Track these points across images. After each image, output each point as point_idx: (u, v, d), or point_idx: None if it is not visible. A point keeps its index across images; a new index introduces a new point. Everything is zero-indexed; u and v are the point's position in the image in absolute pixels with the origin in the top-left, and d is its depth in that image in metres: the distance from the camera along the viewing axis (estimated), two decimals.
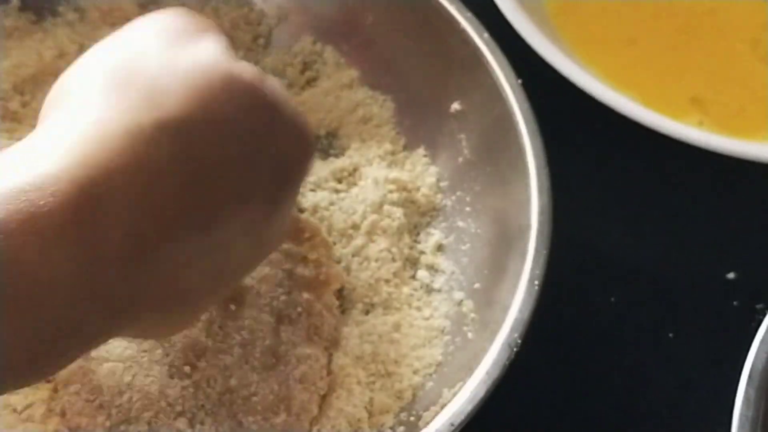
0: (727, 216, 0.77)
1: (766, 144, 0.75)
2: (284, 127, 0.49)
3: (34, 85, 0.71)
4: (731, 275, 0.74)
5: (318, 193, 0.71)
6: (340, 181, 0.71)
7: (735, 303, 0.73)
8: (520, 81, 0.68)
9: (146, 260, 0.43)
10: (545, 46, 0.74)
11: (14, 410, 0.58)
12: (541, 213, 0.63)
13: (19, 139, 0.67)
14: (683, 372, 0.71)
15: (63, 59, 0.72)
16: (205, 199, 0.45)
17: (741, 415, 0.57)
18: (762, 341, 0.59)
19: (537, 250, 0.62)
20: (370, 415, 0.62)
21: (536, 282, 0.60)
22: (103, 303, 0.43)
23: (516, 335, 0.59)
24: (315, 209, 0.69)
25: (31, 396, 0.59)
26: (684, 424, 0.69)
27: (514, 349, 0.58)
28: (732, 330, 0.72)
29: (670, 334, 0.72)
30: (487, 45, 0.69)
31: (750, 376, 0.58)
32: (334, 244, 0.68)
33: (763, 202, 0.78)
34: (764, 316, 0.61)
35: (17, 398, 0.58)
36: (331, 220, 0.69)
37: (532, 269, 0.61)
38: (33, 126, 0.68)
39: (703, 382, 0.70)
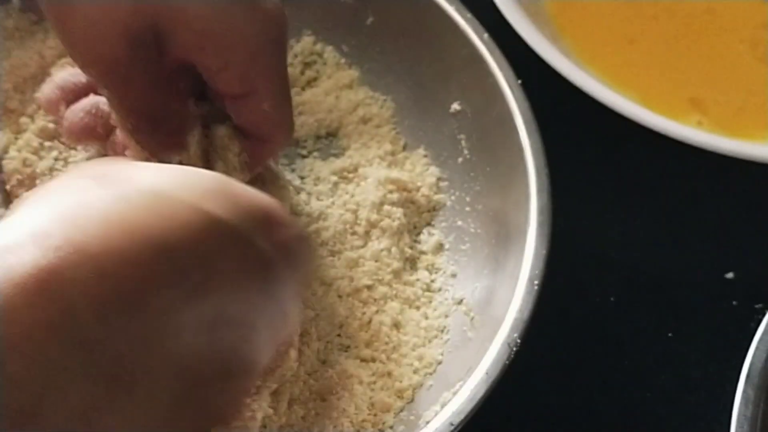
0: (727, 216, 0.78)
1: (765, 144, 0.75)
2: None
3: (35, 85, 0.71)
4: (730, 275, 0.74)
5: (318, 193, 0.71)
6: (340, 182, 0.72)
7: (734, 303, 0.73)
8: (520, 81, 0.68)
9: (129, 311, 0.41)
10: (545, 47, 0.75)
11: None
12: (540, 213, 0.63)
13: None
14: (682, 371, 0.71)
15: (64, 59, 0.72)
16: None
17: (740, 414, 0.57)
18: (761, 341, 0.60)
19: (537, 250, 0.62)
20: (371, 414, 0.62)
21: (536, 282, 0.61)
22: (86, 359, 0.40)
23: (516, 335, 0.59)
24: (315, 209, 0.70)
25: None
26: (683, 423, 0.69)
27: (514, 349, 0.58)
28: (731, 329, 0.72)
29: (670, 334, 0.72)
30: (487, 45, 0.70)
31: (749, 376, 0.58)
32: (334, 246, 0.69)
33: (762, 202, 0.78)
34: (763, 315, 0.62)
35: None
36: (332, 220, 0.69)
37: (532, 269, 0.61)
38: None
39: (702, 382, 0.70)
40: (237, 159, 0.61)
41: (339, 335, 0.66)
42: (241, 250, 0.45)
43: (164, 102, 0.59)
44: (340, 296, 0.67)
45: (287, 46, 0.61)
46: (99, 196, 0.43)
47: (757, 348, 0.60)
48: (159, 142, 0.59)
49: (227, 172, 0.61)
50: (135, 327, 0.41)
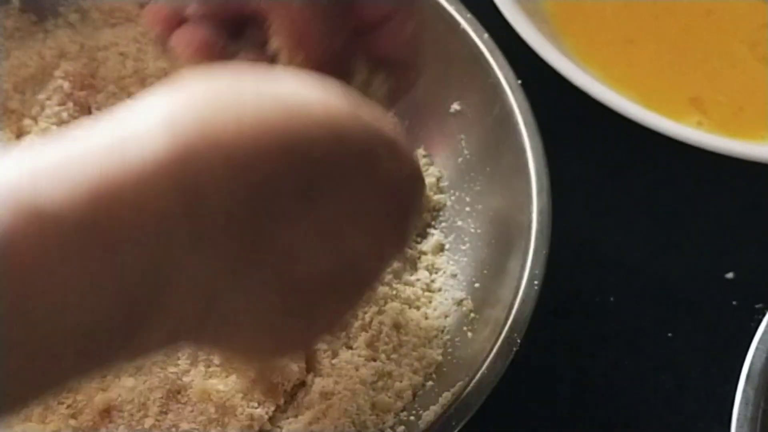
0: (726, 216, 0.78)
1: (765, 144, 0.75)
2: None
3: (35, 85, 0.71)
4: (730, 275, 0.74)
5: None
6: None
7: (734, 303, 0.73)
8: (520, 81, 0.68)
9: (255, 204, 0.41)
10: (545, 47, 0.75)
11: None
12: (540, 213, 0.63)
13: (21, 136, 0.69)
14: (682, 371, 0.71)
15: (64, 59, 0.72)
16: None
17: (740, 414, 0.57)
18: (761, 341, 0.60)
19: (537, 250, 0.62)
20: (373, 414, 0.62)
21: (536, 282, 0.61)
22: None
23: (516, 335, 0.59)
24: None
25: None
26: (683, 424, 0.69)
27: (514, 349, 0.58)
28: (731, 330, 0.72)
29: (670, 334, 0.72)
30: (487, 45, 0.70)
31: (749, 376, 0.58)
32: None
33: (761, 202, 0.78)
34: (763, 315, 0.62)
35: None
36: None
37: (532, 269, 0.61)
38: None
39: (702, 382, 0.70)
40: (382, 89, 0.59)
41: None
42: (371, 168, 0.45)
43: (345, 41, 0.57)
44: None
45: None
46: (236, 87, 0.43)
47: (757, 348, 0.60)
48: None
49: None
50: (259, 221, 0.41)
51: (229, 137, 0.40)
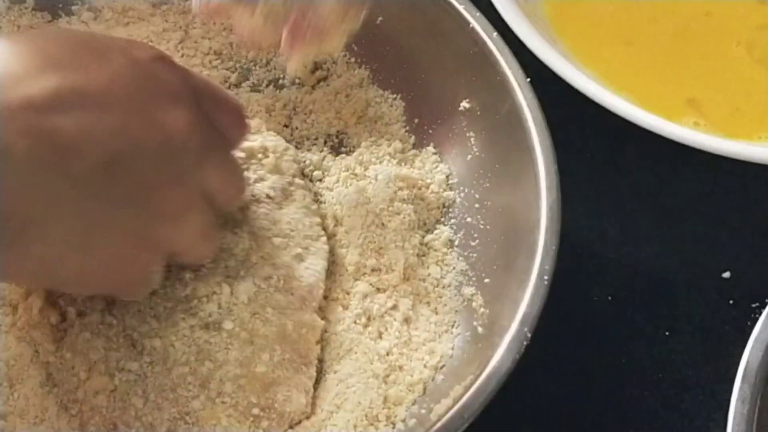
0: (723, 216, 0.78)
1: (761, 144, 0.76)
2: None
3: None
4: (727, 274, 0.75)
5: (329, 191, 0.72)
6: (350, 179, 0.72)
7: (731, 301, 0.74)
8: (528, 79, 0.69)
9: None
10: (543, 48, 0.75)
11: None
12: (550, 209, 0.63)
13: None
14: (679, 370, 0.72)
15: None
16: None
17: (736, 412, 0.58)
18: (757, 339, 0.60)
19: (546, 246, 0.62)
20: (385, 408, 0.62)
21: (546, 277, 0.61)
22: None
23: (526, 329, 0.59)
24: (327, 207, 0.71)
25: None
26: (680, 422, 0.70)
27: (524, 344, 0.59)
28: (727, 328, 0.73)
29: (667, 332, 0.73)
30: (496, 44, 0.70)
31: (745, 374, 0.59)
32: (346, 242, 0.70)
33: (758, 202, 0.79)
34: (759, 314, 0.62)
35: None
36: (342, 214, 0.70)
37: (542, 264, 0.61)
38: None
39: (698, 380, 0.71)
40: None
41: (356, 322, 0.66)
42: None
43: None
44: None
45: None
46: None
47: (753, 346, 0.60)
48: None
49: None
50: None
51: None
